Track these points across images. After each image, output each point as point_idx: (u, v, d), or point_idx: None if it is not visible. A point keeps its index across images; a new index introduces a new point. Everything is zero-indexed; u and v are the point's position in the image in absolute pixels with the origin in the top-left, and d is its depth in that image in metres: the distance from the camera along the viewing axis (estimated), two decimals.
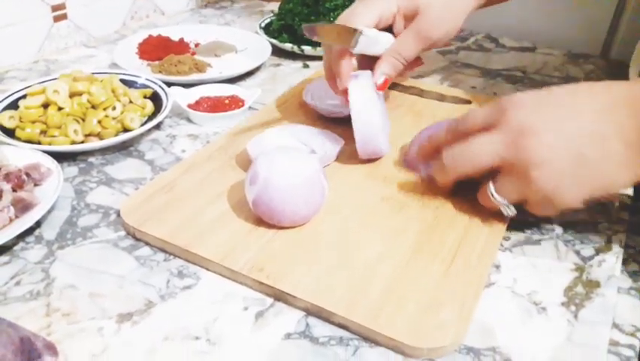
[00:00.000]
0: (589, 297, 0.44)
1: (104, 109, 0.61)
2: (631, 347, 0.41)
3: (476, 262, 0.45)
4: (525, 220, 0.50)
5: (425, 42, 0.56)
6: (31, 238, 0.48)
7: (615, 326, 0.42)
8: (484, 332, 0.40)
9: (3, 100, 0.62)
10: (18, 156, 0.53)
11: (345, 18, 0.55)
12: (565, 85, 0.46)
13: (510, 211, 0.46)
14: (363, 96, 0.53)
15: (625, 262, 0.48)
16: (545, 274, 0.45)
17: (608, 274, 0.46)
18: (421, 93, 0.71)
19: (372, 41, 0.54)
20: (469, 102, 0.69)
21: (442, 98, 0.70)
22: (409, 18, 0.56)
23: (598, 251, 0.48)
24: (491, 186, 0.46)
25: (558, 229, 0.50)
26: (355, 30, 0.52)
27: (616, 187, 0.45)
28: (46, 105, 0.60)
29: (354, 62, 0.56)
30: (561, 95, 0.45)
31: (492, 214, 0.49)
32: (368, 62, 0.57)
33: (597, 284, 0.45)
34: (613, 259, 0.47)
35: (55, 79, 0.64)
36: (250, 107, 0.68)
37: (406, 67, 0.57)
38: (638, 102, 0.42)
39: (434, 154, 0.50)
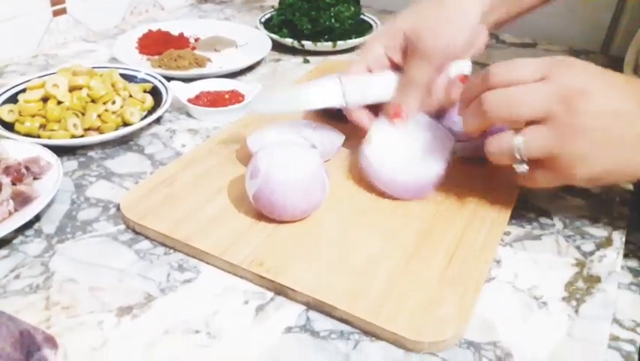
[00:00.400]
0: (589, 292, 0.43)
1: (104, 103, 0.60)
2: (631, 342, 0.41)
3: (477, 256, 0.44)
4: (526, 215, 0.50)
5: (426, 60, 0.53)
6: (30, 232, 0.47)
7: (616, 321, 0.42)
8: (485, 326, 0.40)
9: (2, 94, 0.62)
10: (18, 149, 0.53)
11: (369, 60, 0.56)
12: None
13: (523, 168, 0.44)
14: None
15: (625, 257, 0.48)
16: (546, 269, 0.45)
17: (609, 270, 0.45)
18: None
19: (362, 86, 0.54)
20: None
21: None
22: (414, 43, 0.54)
23: (599, 246, 0.48)
24: (519, 137, 0.43)
25: (559, 224, 0.50)
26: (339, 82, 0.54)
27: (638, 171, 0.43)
28: (45, 99, 0.60)
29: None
30: (613, 73, 0.44)
31: (493, 209, 0.49)
32: None
33: (598, 279, 0.45)
34: (614, 255, 0.47)
35: (55, 73, 0.63)
36: (250, 102, 0.68)
37: (430, 94, 0.55)
38: None
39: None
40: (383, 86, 0.55)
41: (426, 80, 0.54)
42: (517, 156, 0.43)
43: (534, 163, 0.44)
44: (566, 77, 0.42)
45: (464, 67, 0.54)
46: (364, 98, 0.55)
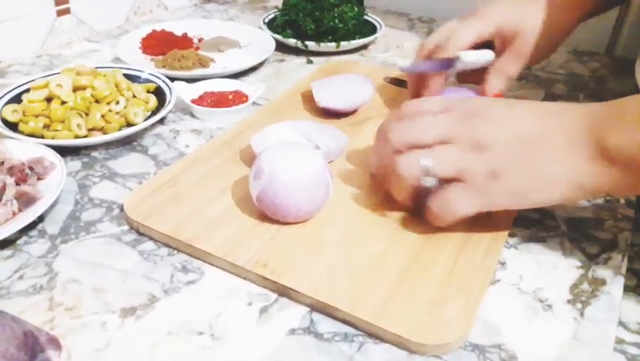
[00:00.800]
0: (595, 295, 0.43)
1: (108, 103, 0.60)
2: (637, 345, 0.40)
3: (481, 259, 0.44)
4: (531, 217, 0.50)
5: (525, 62, 0.60)
6: (34, 232, 0.47)
7: (621, 324, 0.42)
8: (490, 329, 0.40)
9: (6, 94, 0.62)
10: (21, 149, 0.53)
11: (444, 37, 0.59)
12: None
13: (428, 182, 0.43)
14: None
15: (631, 259, 0.48)
16: (551, 271, 0.45)
17: (614, 272, 0.45)
18: None
19: (470, 64, 0.59)
20: None
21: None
22: (508, 39, 0.59)
23: (604, 249, 0.48)
24: (427, 155, 0.43)
25: (564, 226, 0.50)
26: (454, 57, 0.57)
27: (550, 184, 0.41)
28: (49, 99, 0.60)
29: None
30: (512, 101, 0.46)
31: (498, 211, 0.48)
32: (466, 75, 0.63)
33: (603, 282, 0.44)
34: (619, 257, 0.47)
35: (58, 73, 0.63)
36: (254, 103, 0.68)
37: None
38: (586, 108, 0.42)
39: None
40: (482, 61, 0.60)
41: (516, 75, 0.60)
42: (418, 171, 0.43)
43: (446, 183, 0.44)
44: (466, 104, 0.45)
45: (485, 55, 0.59)
46: (463, 68, 0.60)
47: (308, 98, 0.66)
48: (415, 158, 0.44)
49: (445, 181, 0.43)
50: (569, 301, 0.43)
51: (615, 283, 0.44)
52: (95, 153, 0.59)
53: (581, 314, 0.42)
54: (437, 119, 0.45)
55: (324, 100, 0.63)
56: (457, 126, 0.43)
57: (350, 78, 0.67)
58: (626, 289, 0.45)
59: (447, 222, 0.45)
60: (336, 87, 0.65)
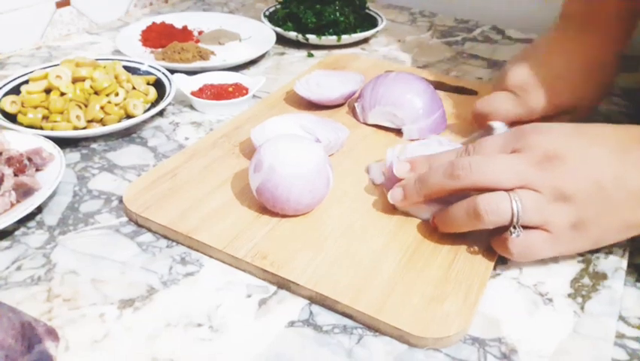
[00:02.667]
0: (595, 289, 0.43)
1: (107, 95, 0.60)
2: (637, 339, 0.40)
3: (481, 252, 0.44)
4: None
5: (532, 114, 0.55)
6: (32, 223, 0.47)
7: (621, 318, 0.42)
8: (490, 322, 0.40)
9: (5, 85, 0.62)
10: (20, 141, 0.53)
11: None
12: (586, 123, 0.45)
13: (518, 234, 0.41)
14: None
15: (631, 254, 0.47)
16: (551, 265, 0.45)
17: (615, 266, 0.45)
18: None
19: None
20: (475, 93, 0.69)
21: (448, 88, 0.69)
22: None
23: None
24: (516, 197, 0.40)
25: None
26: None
27: (628, 229, 0.42)
28: (48, 91, 0.59)
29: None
30: (584, 125, 0.44)
31: None
32: None
33: (604, 276, 0.44)
34: (620, 252, 0.47)
35: (58, 65, 0.63)
36: (254, 96, 0.68)
37: None
38: None
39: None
40: None
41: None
42: (515, 219, 0.41)
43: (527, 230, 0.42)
44: (536, 144, 0.42)
45: (503, 127, 0.54)
46: None
47: None
48: (504, 199, 0.41)
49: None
50: (569, 295, 0.42)
51: (616, 278, 0.44)
52: (94, 145, 0.58)
53: (582, 308, 0.41)
54: (512, 161, 0.42)
55: (303, 90, 0.63)
56: (538, 173, 0.41)
57: (343, 74, 0.67)
58: (627, 283, 0.44)
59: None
60: (323, 80, 0.65)
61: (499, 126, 0.54)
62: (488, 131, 0.54)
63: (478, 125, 0.55)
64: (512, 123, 0.54)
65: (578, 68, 0.55)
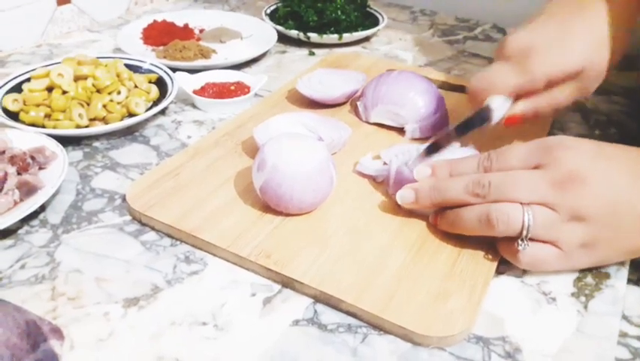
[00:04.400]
0: (599, 288, 0.43)
1: (109, 93, 0.60)
2: None
3: (485, 251, 0.44)
4: None
5: (532, 82, 0.51)
6: (35, 222, 0.47)
7: (624, 317, 0.42)
8: (494, 321, 0.40)
9: (6, 83, 0.61)
10: (22, 139, 0.53)
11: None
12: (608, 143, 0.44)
13: (525, 247, 0.41)
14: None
15: None
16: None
17: (618, 266, 0.45)
18: None
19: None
20: None
21: (449, 87, 0.69)
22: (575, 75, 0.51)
23: None
24: (529, 211, 0.40)
25: None
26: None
27: (631, 253, 0.43)
28: (50, 89, 0.59)
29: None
30: (608, 146, 0.43)
31: None
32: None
33: (607, 275, 0.44)
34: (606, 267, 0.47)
35: (59, 63, 0.63)
36: (256, 94, 0.68)
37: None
38: None
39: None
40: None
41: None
42: (525, 232, 0.41)
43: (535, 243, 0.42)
44: (561, 162, 0.41)
45: (503, 103, 0.50)
46: None
47: None
48: (517, 211, 0.41)
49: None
50: (572, 295, 0.42)
51: (619, 277, 0.44)
52: (96, 143, 0.58)
53: (585, 307, 0.41)
54: (533, 178, 0.41)
55: (305, 88, 0.63)
56: (557, 193, 0.40)
57: (345, 72, 0.67)
58: (630, 282, 0.45)
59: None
60: (325, 79, 0.65)
61: (497, 104, 0.49)
62: (485, 112, 0.49)
63: (474, 106, 0.51)
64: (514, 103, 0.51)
65: (584, 30, 0.51)
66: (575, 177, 0.40)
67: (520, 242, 0.41)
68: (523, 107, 0.52)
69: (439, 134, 0.51)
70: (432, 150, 0.49)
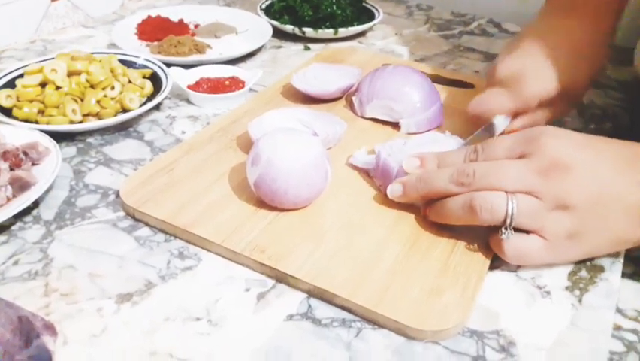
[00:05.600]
0: (593, 281, 0.43)
1: (103, 89, 0.60)
2: (634, 331, 0.40)
3: (479, 245, 0.44)
4: None
5: (524, 104, 0.54)
6: (28, 218, 0.47)
7: (618, 310, 0.42)
8: (488, 315, 0.40)
9: None
10: (15, 135, 0.52)
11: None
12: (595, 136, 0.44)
13: (509, 235, 0.41)
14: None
15: None
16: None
17: (612, 259, 0.45)
18: None
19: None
20: (472, 86, 0.69)
21: (445, 81, 0.69)
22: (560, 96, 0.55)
23: None
24: (513, 199, 0.41)
25: None
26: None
27: (620, 244, 0.43)
28: (43, 84, 0.59)
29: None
30: (593, 138, 0.43)
31: None
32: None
33: (601, 269, 0.44)
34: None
35: (53, 58, 0.62)
36: (251, 89, 0.68)
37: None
38: None
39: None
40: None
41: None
42: (508, 220, 0.41)
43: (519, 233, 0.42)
44: (545, 149, 0.41)
45: (503, 121, 0.54)
46: None
47: None
48: (500, 199, 0.41)
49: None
50: (567, 288, 0.42)
51: (613, 271, 0.44)
52: (90, 139, 0.58)
53: (580, 301, 0.41)
54: (518, 170, 0.41)
55: (300, 83, 0.63)
56: (542, 181, 0.41)
57: (340, 67, 0.67)
58: (624, 276, 0.45)
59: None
60: (320, 73, 0.65)
61: (500, 121, 0.53)
62: (490, 128, 0.53)
63: (475, 126, 0.55)
64: (513, 116, 0.54)
65: (566, 52, 0.54)
66: (559, 164, 0.41)
67: (503, 230, 0.41)
68: (520, 123, 0.55)
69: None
70: None
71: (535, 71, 0.53)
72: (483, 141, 0.46)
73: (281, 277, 0.42)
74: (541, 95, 0.53)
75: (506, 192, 0.41)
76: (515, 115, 0.55)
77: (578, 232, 0.41)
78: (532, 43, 0.55)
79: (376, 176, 0.50)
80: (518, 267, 0.44)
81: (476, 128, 0.54)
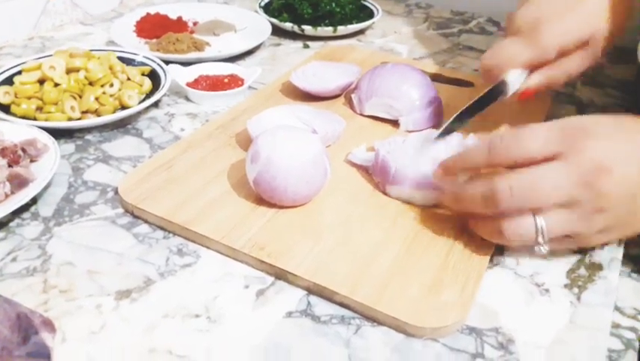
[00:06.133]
0: (591, 279, 0.43)
1: (102, 86, 0.60)
2: (632, 329, 0.40)
3: (478, 243, 0.44)
4: None
5: (543, 52, 0.50)
6: (27, 215, 0.47)
7: (617, 308, 0.42)
8: (487, 312, 0.40)
9: None
10: (14, 131, 0.52)
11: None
12: (627, 116, 0.42)
13: (544, 250, 0.41)
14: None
15: (627, 245, 0.48)
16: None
17: (611, 257, 0.45)
18: None
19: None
20: (471, 85, 0.69)
21: (444, 80, 0.69)
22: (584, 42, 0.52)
23: None
24: (541, 220, 0.39)
25: None
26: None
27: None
28: (42, 81, 0.59)
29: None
30: (631, 126, 0.41)
31: None
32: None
33: (600, 267, 0.44)
34: (615, 242, 0.47)
35: (51, 55, 0.62)
36: (250, 87, 0.67)
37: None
38: None
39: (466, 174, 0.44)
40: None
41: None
42: (540, 240, 0.40)
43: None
44: (584, 153, 0.39)
45: (519, 77, 0.50)
46: None
47: None
48: (529, 227, 0.40)
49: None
50: (565, 286, 0.43)
51: (612, 268, 0.44)
52: (88, 136, 0.58)
53: (578, 299, 0.42)
54: (558, 178, 0.39)
55: (299, 81, 0.63)
56: (582, 191, 0.38)
57: (339, 65, 0.67)
58: (622, 274, 0.45)
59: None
60: (320, 71, 0.65)
61: (514, 77, 0.48)
62: (502, 86, 0.48)
63: (487, 82, 0.50)
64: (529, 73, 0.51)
65: None
66: (601, 169, 0.38)
67: (536, 248, 0.41)
68: (536, 79, 0.51)
69: (453, 116, 0.49)
70: (445, 133, 0.49)
71: (555, 17, 0.49)
72: (511, 130, 0.42)
73: (280, 274, 0.42)
74: (562, 44, 0.49)
75: (542, 208, 0.39)
76: (531, 70, 0.51)
77: (608, 226, 0.41)
78: None
79: (375, 173, 0.50)
80: (517, 265, 0.44)
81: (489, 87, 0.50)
